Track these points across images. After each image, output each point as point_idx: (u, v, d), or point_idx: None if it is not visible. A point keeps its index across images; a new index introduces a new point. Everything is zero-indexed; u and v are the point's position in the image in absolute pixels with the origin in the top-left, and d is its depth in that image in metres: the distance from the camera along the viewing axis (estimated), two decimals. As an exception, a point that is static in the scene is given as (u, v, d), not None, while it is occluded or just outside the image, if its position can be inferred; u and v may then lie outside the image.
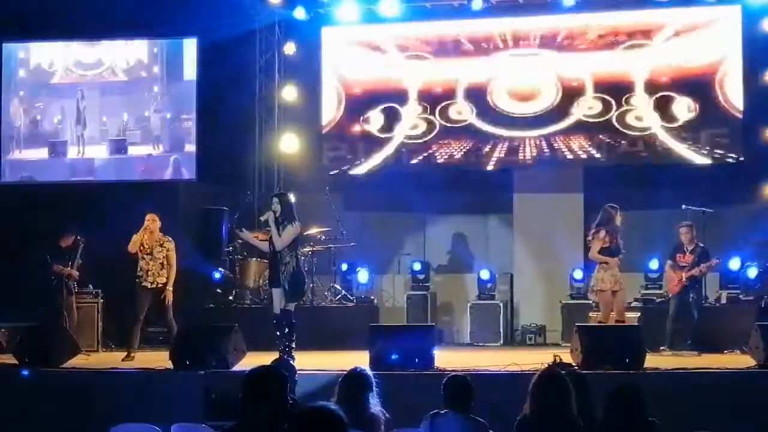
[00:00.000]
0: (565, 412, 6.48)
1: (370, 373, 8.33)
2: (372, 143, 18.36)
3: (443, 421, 7.49)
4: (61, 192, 17.94)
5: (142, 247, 14.65)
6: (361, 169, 18.37)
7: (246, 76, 18.64)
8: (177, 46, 18.68)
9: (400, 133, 18.27)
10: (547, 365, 7.51)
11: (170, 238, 14.93)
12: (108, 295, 16.53)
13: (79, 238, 15.67)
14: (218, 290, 17.34)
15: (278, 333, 12.81)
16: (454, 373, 8.43)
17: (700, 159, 17.25)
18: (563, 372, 6.99)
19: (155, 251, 14.63)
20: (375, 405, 8.10)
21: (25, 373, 12.21)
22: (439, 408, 7.61)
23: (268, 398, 5.27)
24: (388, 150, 18.28)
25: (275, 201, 13.04)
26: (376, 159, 18.30)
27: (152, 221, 14.74)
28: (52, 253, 15.63)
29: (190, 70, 18.54)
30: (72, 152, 18.75)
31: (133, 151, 18.65)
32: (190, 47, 18.55)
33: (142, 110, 18.74)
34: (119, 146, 18.68)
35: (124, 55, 18.84)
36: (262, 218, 13.26)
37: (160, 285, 14.62)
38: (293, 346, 12.79)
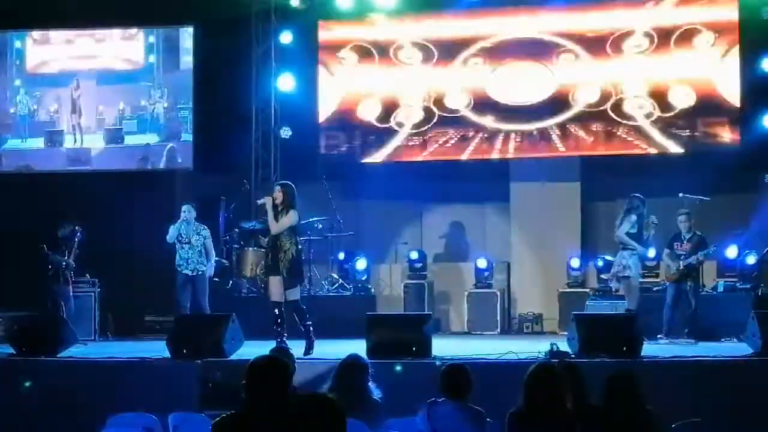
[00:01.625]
0: (559, 406, 6.47)
1: (366, 360, 8.36)
2: (370, 132, 18.35)
3: (441, 409, 7.49)
4: (57, 181, 17.95)
5: (180, 237, 14.80)
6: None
7: (242, 65, 18.62)
8: (173, 35, 18.64)
9: (397, 122, 18.25)
10: (539, 362, 7.50)
11: (205, 226, 15.18)
12: (105, 285, 16.55)
13: (76, 227, 15.68)
14: (215, 279, 17.33)
15: (275, 320, 12.83)
16: (452, 362, 8.45)
17: (696, 148, 17.26)
18: (558, 363, 6.98)
19: (193, 240, 14.87)
20: (373, 391, 8.13)
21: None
22: (437, 396, 7.61)
23: (271, 387, 5.26)
24: (386, 138, 18.27)
25: (277, 188, 13.14)
26: (382, 148, 18.28)
27: (188, 212, 14.86)
28: (48, 242, 15.62)
29: (186, 59, 18.52)
30: (69, 141, 18.72)
31: (129, 140, 18.63)
32: (186, 36, 18.52)
33: (139, 99, 18.72)
34: (116, 135, 18.66)
35: (121, 44, 18.82)
36: (258, 201, 13.28)
37: (199, 272, 14.87)
38: (311, 330, 12.87)
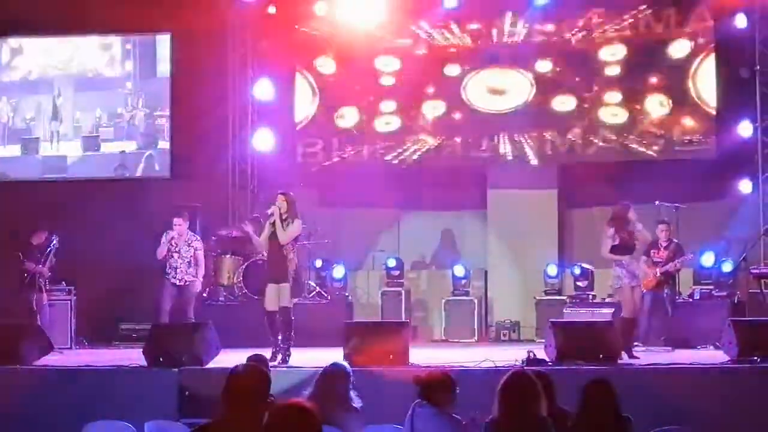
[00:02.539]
0: (534, 414, 6.47)
1: (349, 368, 8.35)
2: (347, 139, 18.35)
3: (422, 414, 7.48)
4: (33, 189, 17.87)
5: (171, 246, 14.69)
6: (336, 162, 18.34)
7: (219, 73, 18.58)
8: (150, 42, 18.62)
9: (374, 129, 18.26)
10: (512, 370, 7.49)
11: (198, 237, 15.14)
12: (81, 293, 16.48)
13: (51, 235, 15.60)
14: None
15: (274, 329, 12.91)
16: (439, 369, 8.45)
17: (673, 155, 17.32)
18: (528, 372, 6.96)
19: (183, 250, 14.76)
20: (354, 400, 8.13)
21: None
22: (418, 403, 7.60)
23: (250, 396, 5.26)
24: (363, 146, 18.28)
25: (281, 197, 13.17)
26: (351, 154, 18.29)
27: (180, 225, 14.78)
28: (24, 250, 15.55)
29: (163, 66, 18.50)
30: (45, 149, 18.66)
31: (106, 147, 18.60)
32: (163, 43, 18.50)
33: (116, 107, 18.69)
34: (92, 143, 18.62)
35: (97, 51, 18.78)
36: (268, 211, 13.27)
37: (187, 282, 14.77)
38: (292, 342, 12.93)
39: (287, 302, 12.96)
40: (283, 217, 12.99)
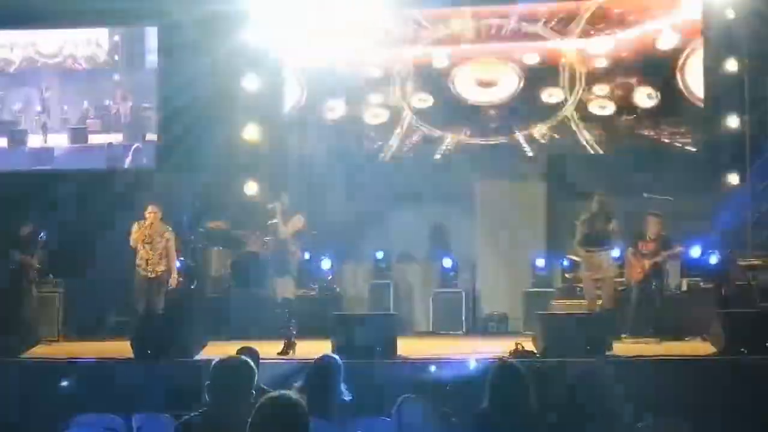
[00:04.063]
0: (523, 405, 6.48)
1: (340, 361, 8.36)
2: (334, 130, 18.33)
3: (411, 406, 7.50)
4: (20, 181, 17.82)
5: (143, 237, 14.59)
6: (324, 154, 18.34)
7: (207, 64, 18.51)
8: (138, 34, 18.58)
9: (362, 121, 18.25)
10: (500, 358, 7.50)
11: (170, 229, 14.94)
12: (69, 285, 16.44)
13: (39, 227, 15.55)
14: (180, 279, 17.25)
15: (287, 319, 13.01)
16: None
17: (660, 148, 17.34)
18: (517, 364, 6.96)
19: (155, 241, 14.64)
20: (344, 393, 8.14)
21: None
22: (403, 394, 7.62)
23: (236, 388, 5.27)
24: (351, 137, 18.27)
25: (283, 194, 13.23)
26: (339, 145, 18.28)
27: (152, 213, 14.67)
28: (12, 242, 15.51)
29: (151, 58, 18.45)
30: (34, 141, 18.61)
31: (93, 139, 18.55)
32: (151, 36, 18.45)
33: (103, 99, 18.64)
34: (79, 135, 18.58)
35: (85, 43, 18.72)
36: (269, 205, 13.29)
37: (159, 274, 14.64)
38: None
39: (290, 295, 13.08)
40: (285, 212, 13.08)
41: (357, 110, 18.32)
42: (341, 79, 18.35)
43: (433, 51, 18.18)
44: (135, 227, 14.65)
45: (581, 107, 17.67)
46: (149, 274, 14.62)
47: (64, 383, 11.79)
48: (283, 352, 12.41)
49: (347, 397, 8.14)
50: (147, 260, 14.63)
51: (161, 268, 14.68)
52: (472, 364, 10.97)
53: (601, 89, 17.64)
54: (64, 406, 10.06)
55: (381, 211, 18.90)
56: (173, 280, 14.85)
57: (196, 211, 17.75)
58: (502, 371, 6.61)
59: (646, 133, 17.42)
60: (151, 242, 14.63)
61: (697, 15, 17.32)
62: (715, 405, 10.62)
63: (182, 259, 17.24)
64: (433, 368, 10.98)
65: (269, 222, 13.37)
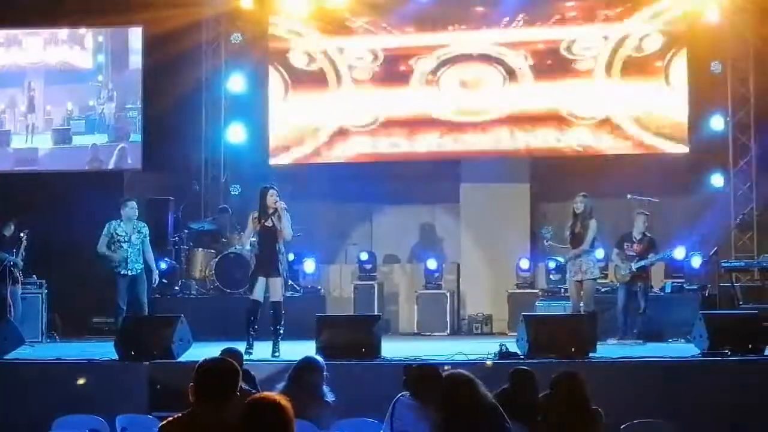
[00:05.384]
0: (481, 408, 6.51)
1: (322, 362, 8.37)
2: (318, 132, 18.32)
3: (405, 405, 7.51)
4: (4, 182, 17.78)
5: (119, 236, 14.29)
6: (309, 155, 18.32)
7: (192, 66, 18.51)
8: (122, 35, 18.52)
9: (346, 122, 18.25)
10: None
11: (145, 224, 14.70)
12: (52, 286, 16.39)
13: (22, 227, 15.48)
14: (164, 280, 17.22)
15: (253, 321, 12.92)
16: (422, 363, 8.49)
17: (646, 149, 17.37)
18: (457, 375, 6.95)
19: (134, 238, 14.39)
20: (326, 394, 8.15)
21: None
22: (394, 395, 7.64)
23: (221, 389, 5.26)
24: (337, 139, 18.26)
25: (275, 194, 13.07)
26: (325, 147, 18.28)
27: (132, 208, 14.54)
28: (-3, 241, 15.48)
29: (135, 59, 18.40)
30: (18, 141, 18.55)
31: (77, 140, 18.49)
32: (135, 36, 18.40)
33: (87, 99, 18.58)
34: (63, 136, 18.51)
35: (69, 43, 18.67)
36: (281, 206, 13.14)
37: (138, 271, 14.36)
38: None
39: (279, 297, 12.97)
40: (270, 212, 12.97)
41: (340, 110, 18.28)
42: (327, 80, 18.32)
43: (418, 52, 18.17)
44: (105, 230, 14.41)
45: (566, 109, 17.66)
46: (129, 272, 14.41)
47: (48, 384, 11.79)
48: (246, 351, 12.23)
49: (330, 398, 8.16)
50: (126, 259, 14.36)
51: (140, 265, 14.37)
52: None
53: (586, 91, 17.63)
54: (48, 407, 10.05)
55: (366, 212, 18.93)
56: (149, 272, 14.52)
57: (180, 212, 17.71)
58: (450, 384, 6.65)
59: (630, 134, 17.42)
60: (129, 240, 14.43)
61: (682, 18, 17.31)
62: (698, 406, 10.66)
63: (167, 259, 17.24)
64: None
65: (250, 222, 13.27)
